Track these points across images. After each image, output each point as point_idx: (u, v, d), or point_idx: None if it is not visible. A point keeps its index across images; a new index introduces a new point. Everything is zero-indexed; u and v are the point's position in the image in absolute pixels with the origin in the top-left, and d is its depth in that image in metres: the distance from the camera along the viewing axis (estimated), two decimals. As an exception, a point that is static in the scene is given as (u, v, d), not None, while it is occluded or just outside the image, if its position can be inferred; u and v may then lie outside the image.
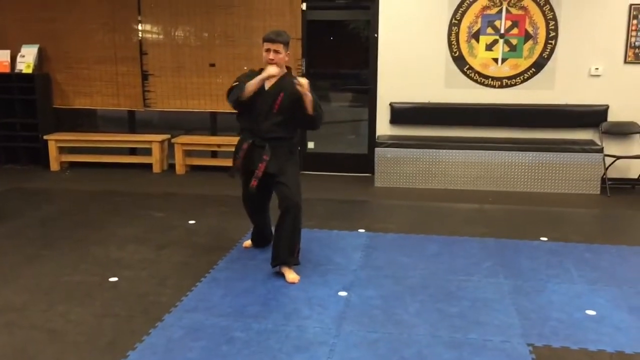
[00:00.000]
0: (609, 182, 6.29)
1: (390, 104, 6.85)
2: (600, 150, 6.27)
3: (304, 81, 3.69)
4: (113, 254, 4.37)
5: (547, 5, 6.43)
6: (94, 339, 3.08)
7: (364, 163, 7.11)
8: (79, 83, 7.56)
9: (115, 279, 3.89)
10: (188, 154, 7.36)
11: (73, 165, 7.53)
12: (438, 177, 6.51)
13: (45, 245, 4.57)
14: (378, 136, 6.85)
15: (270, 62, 3.76)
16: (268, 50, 3.76)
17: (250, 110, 3.88)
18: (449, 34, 6.64)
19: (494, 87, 6.66)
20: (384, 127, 6.94)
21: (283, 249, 3.87)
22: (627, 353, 2.95)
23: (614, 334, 3.14)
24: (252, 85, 3.75)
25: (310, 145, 7.38)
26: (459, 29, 6.62)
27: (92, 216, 5.39)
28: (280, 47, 3.76)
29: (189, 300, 3.55)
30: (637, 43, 6.35)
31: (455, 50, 6.67)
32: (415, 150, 6.53)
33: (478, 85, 6.68)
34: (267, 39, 3.78)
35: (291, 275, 3.86)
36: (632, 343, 3.05)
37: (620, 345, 3.02)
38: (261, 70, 3.84)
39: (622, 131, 6.47)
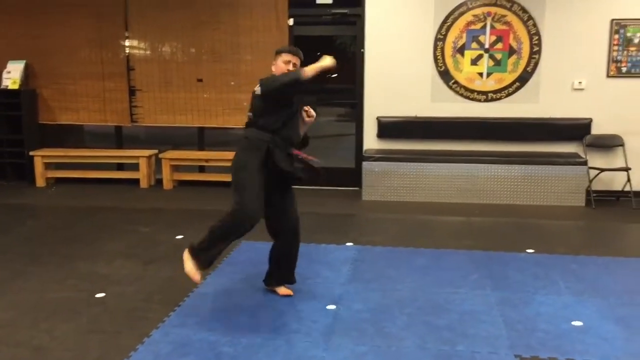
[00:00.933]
0: (594, 194, 6.36)
1: (377, 118, 6.90)
2: (585, 163, 6.35)
3: (313, 113, 3.77)
4: (100, 270, 4.34)
5: (531, 21, 6.53)
6: (80, 356, 3.05)
7: (352, 177, 7.14)
8: (65, 99, 7.54)
9: (102, 294, 3.86)
10: (176, 169, 7.35)
11: (59, 181, 7.49)
12: (425, 190, 6.55)
13: (32, 261, 4.53)
14: (365, 150, 6.88)
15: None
16: (288, 62, 3.61)
17: (281, 112, 3.57)
18: (435, 49, 6.72)
19: (479, 101, 6.74)
20: (371, 141, 6.98)
21: (291, 270, 3.88)
22: (613, 363, 2.98)
23: (601, 345, 3.17)
24: (312, 70, 3.45)
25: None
26: (444, 43, 6.70)
27: (78, 232, 5.35)
28: (298, 62, 3.64)
29: (176, 316, 3.53)
30: (619, 57, 6.46)
31: (441, 65, 6.74)
32: (402, 163, 6.57)
33: (464, 99, 6.75)
34: (287, 51, 3.66)
35: (284, 289, 3.85)
36: (618, 353, 3.07)
37: (606, 356, 3.04)
38: None
39: (606, 144, 6.56)
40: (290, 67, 3.58)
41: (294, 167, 3.59)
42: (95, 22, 7.32)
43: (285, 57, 3.63)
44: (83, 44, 7.40)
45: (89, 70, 7.42)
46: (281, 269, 3.84)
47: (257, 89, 3.58)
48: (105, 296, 3.83)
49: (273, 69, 3.67)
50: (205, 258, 3.52)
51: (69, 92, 7.52)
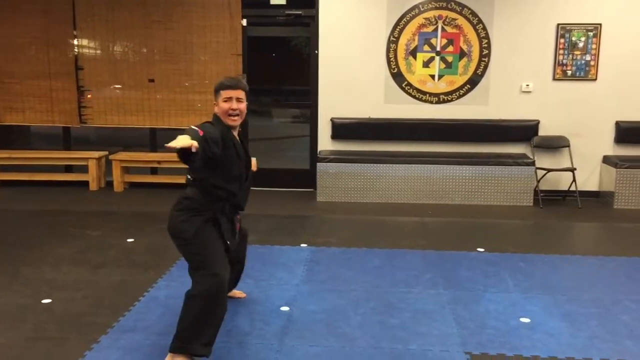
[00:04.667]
0: (541, 194, 6.54)
1: (332, 120, 6.93)
2: (533, 164, 6.52)
3: (255, 162, 3.45)
4: (47, 275, 4.21)
5: (480, 24, 6.67)
6: (25, 364, 2.95)
7: (306, 178, 7.14)
8: (10, 99, 7.28)
9: (48, 300, 3.74)
10: (127, 170, 7.20)
11: (4, 184, 7.23)
12: (379, 191, 6.61)
13: (-27, 267, 4.36)
14: (320, 151, 6.90)
15: (233, 114, 3.06)
16: (229, 99, 3.05)
17: (221, 173, 3.06)
18: (388, 51, 6.79)
19: (431, 102, 6.84)
20: (325, 142, 7.00)
21: (238, 279, 3.73)
22: (559, 358, 3.06)
23: (547, 340, 3.25)
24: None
25: (253, 161, 7.34)
26: (397, 46, 6.78)
27: (24, 236, 5.18)
28: (242, 95, 3.10)
29: (126, 320, 3.45)
30: (564, 61, 6.66)
31: (393, 67, 6.82)
32: (356, 165, 6.61)
33: (416, 101, 6.84)
34: (226, 86, 3.07)
35: (237, 292, 3.81)
36: (564, 348, 3.16)
37: (553, 351, 3.13)
38: (216, 124, 3.08)
39: (552, 145, 6.75)
40: (234, 105, 3.05)
41: (234, 241, 3.23)
42: (42, 20, 7.10)
43: (225, 94, 3.06)
44: (29, 42, 7.16)
45: (35, 70, 7.19)
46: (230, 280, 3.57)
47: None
48: (51, 302, 3.72)
49: (215, 109, 3.12)
50: (198, 344, 2.89)
51: (14, 91, 7.27)
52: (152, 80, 7.14)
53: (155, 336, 3.24)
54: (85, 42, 7.16)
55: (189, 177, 3.10)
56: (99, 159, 7.20)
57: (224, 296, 2.97)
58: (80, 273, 4.26)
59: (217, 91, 3.11)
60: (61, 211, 6.09)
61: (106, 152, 7.31)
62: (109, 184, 7.20)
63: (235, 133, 3.17)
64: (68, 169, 7.54)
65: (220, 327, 2.95)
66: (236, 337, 3.26)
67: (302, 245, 4.99)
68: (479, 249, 4.89)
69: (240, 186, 3.17)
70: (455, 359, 3.04)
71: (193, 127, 2.83)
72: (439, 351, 3.12)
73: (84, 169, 7.19)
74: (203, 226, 3.02)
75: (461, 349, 3.14)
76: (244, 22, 6.98)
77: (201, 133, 2.78)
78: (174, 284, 4.05)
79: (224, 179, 3.06)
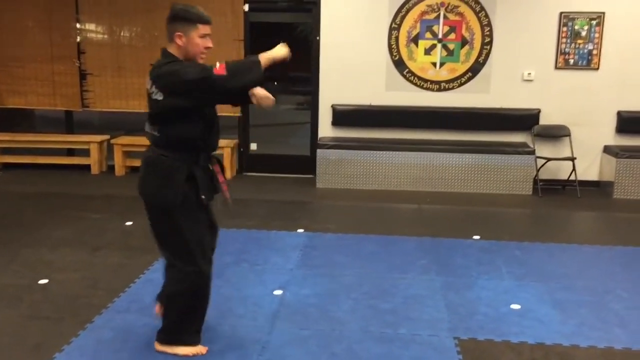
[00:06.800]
0: (541, 183, 6.53)
1: (332, 106, 6.93)
2: (533, 152, 6.51)
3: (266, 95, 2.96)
4: (45, 257, 4.26)
5: (483, 12, 6.64)
6: (20, 341, 3.00)
7: (306, 164, 7.15)
8: (13, 82, 7.32)
9: (45, 281, 3.79)
10: (128, 155, 7.23)
11: (7, 166, 7.29)
12: (378, 178, 6.62)
13: (-27, 248, 4.42)
14: (320, 138, 6.91)
15: (205, 53, 2.78)
16: (205, 36, 2.73)
17: (197, 118, 2.76)
18: (389, 38, 6.77)
19: (432, 90, 6.83)
20: (326, 129, 7.01)
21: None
22: (547, 344, 3.08)
23: (536, 327, 3.28)
24: (267, 60, 2.66)
25: (253, 146, 7.38)
26: (398, 33, 6.75)
27: (25, 218, 5.24)
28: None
29: (120, 302, 3.50)
30: (566, 50, 6.63)
31: (395, 54, 6.80)
32: (356, 151, 6.61)
33: (417, 89, 6.83)
34: (205, 20, 2.72)
35: None
36: (552, 335, 3.18)
37: (541, 337, 3.15)
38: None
39: (553, 134, 6.74)
40: (209, 44, 2.75)
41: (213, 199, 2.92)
42: (45, 3, 7.11)
43: (202, 29, 2.70)
44: (32, 26, 7.19)
45: (38, 53, 7.22)
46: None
47: (156, 92, 2.66)
48: (48, 283, 3.77)
49: (179, 42, 2.69)
50: (187, 334, 2.90)
51: (17, 75, 7.30)
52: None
53: (148, 317, 3.27)
54: (87, 26, 7.17)
55: (155, 133, 2.77)
56: (100, 142, 7.24)
57: (209, 290, 2.91)
58: (78, 255, 4.31)
59: (190, 22, 2.67)
60: (62, 194, 6.14)
61: (108, 136, 7.35)
62: (111, 167, 7.24)
63: None
64: (70, 152, 7.59)
65: (206, 313, 2.95)
66: (228, 320, 3.30)
67: (299, 230, 5.02)
68: (475, 237, 4.91)
69: (212, 129, 2.84)
70: (443, 344, 3.07)
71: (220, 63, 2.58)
72: (427, 336, 3.15)
73: (86, 153, 7.24)
74: (188, 195, 2.73)
75: (450, 334, 3.17)
76: (246, 7, 6.98)
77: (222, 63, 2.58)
78: (170, 266, 4.09)
79: (200, 124, 2.74)
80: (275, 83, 7.66)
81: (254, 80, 2.65)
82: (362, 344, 3.06)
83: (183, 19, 2.68)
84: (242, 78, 2.62)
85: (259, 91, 2.74)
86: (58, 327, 3.17)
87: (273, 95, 2.79)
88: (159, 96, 2.65)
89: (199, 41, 2.70)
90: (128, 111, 7.32)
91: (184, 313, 2.86)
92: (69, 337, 3.05)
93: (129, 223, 5.10)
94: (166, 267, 2.92)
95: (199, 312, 2.91)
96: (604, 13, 6.51)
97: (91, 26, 7.18)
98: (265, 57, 2.66)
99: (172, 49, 2.73)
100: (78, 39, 7.19)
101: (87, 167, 7.20)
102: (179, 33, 2.68)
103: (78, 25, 7.17)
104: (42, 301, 3.50)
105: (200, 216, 2.85)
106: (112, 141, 7.17)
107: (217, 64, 2.61)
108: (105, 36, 7.17)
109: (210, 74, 2.58)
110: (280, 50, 2.70)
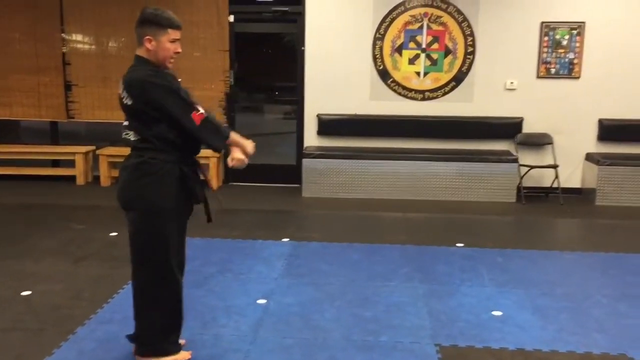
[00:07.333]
0: (524, 191, 6.60)
1: (318, 116, 6.97)
2: (516, 160, 6.58)
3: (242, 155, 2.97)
4: (28, 268, 4.25)
5: (465, 22, 6.72)
6: (1, 353, 2.99)
7: (292, 174, 7.18)
8: (-3, 93, 7.31)
9: (28, 292, 3.78)
10: (114, 165, 7.22)
11: (-9, 178, 7.27)
12: (364, 187, 6.66)
13: (-44, 260, 4.40)
14: (305, 147, 6.94)
15: (175, 56, 2.76)
16: (175, 40, 2.72)
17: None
18: (374, 48, 6.83)
19: (416, 99, 6.89)
20: (311, 138, 7.04)
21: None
22: (527, 350, 3.12)
23: (517, 333, 3.31)
24: (235, 141, 2.81)
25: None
26: (383, 43, 6.82)
27: (9, 229, 5.22)
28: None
29: (104, 313, 3.50)
30: (548, 59, 6.72)
31: (379, 64, 6.86)
32: (341, 160, 6.65)
33: (401, 98, 6.89)
34: (177, 25, 2.72)
35: None
36: (532, 341, 3.22)
37: (521, 343, 3.19)
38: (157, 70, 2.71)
39: (536, 142, 6.82)
40: (179, 49, 2.74)
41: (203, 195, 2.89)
42: (30, 15, 7.11)
43: (173, 34, 2.71)
44: (16, 37, 7.17)
45: (23, 64, 7.21)
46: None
47: (127, 97, 2.67)
48: (31, 294, 3.76)
49: (148, 46, 2.68)
50: (169, 343, 2.90)
51: (2, 86, 7.28)
52: (139, 76, 7.14)
53: (131, 328, 3.23)
54: (72, 37, 7.18)
55: (136, 138, 2.72)
56: (86, 153, 7.23)
57: (182, 299, 2.90)
58: (61, 266, 4.30)
59: (160, 26, 2.67)
60: (47, 205, 6.13)
61: (93, 147, 7.34)
62: (96, 178, 7.22)
63: None
64: (55, 163, 7.57)
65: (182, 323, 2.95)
66: (211, 329, 3.31)
67: (284, 239, 5.04)
68: (458, 244, 4.95)
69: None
70: (424, 351, 3.09)
71: (199, 105, 2.68)
72: (409, 343, 3.18)
73: (71, 164, 7.22)
74: (179, 197, 2.74)
75: (431, 341, 3.20)
76: (231, 18, 7.02)
77: (204, 113, 2.69)
78: (154, 277, 4.09)
79: (178, 130, 2.71)
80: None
81: (214, 145, 2.77)
82: (345, 352, 3.08)
83: (153, 23, 2.69)
84: (207, 136, 2.72)
85: (236, 154, 2.81)
86: (40, 338, 3.16)
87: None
88: (128, 101, 2.68)
89: (169, 46, 2.70)
90: (114, 122, 7.31)
91: (164, 322, 2.87)
92: (51, 348, 3.04)
93: (113, 234, 5.09)
94: (138, 282, 2.88)
95: (178, 320, 2.91)
96: (584, 23, 6.62)
97: (77, 37, 7.19)
98: (235, 138, 2.81)
99: (141, 53, 2.73)
100: (64, 50, 7.19)
101: (73, 178, 7.19)
102: (149, 37, 2.68)
103: (64, 36, 7.18)
104: (24, 312, 3.49)
105: (184, 222, 2.88)
106: (98, 152, 7.16)
107: (200, 110, 2.69)
108: (91, 47, 7.18)
109: (187, 114, 2.66)
110: (249, 145, 2.83)
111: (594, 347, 3.16)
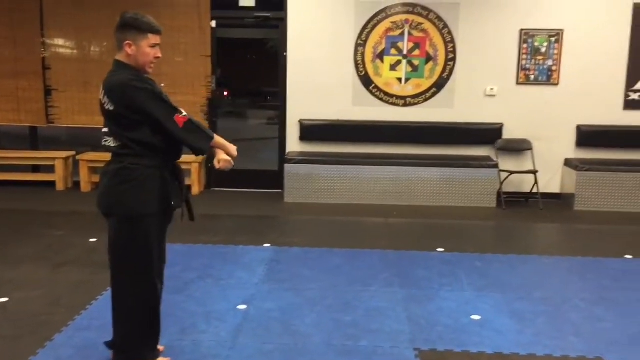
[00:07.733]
0: (504, 196, 6.67)
1: (300, 121, 6.99)
2: (496, 166, 6.65)
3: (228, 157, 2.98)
4: (5, 275, 4.20)
5: (446, 29, 6.78)
6: (-24, 362, 2.96)
7: (274, 179, 7.18)
8: (-25, 98, 7.23)
9: (4, 299, 3.74)
10: (94, 171, 7.17)
11: (-31, 183, 7.18)
12: (346, 192, 6.68)
13: None
14: (288, 153, 6.95)
15: (155, 61, 2.77)
16: (155, 45, 2.73)
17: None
18: (355, 54, 6.87)
19: (398, 105, 6.93)
20: (293, 144, 7.05)
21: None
22: (504, 354, 3.15)
23: (495, 337, 3.34)
24: (218, 145, 2.83)
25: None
26: (364, 49, 6.86)
27: (-14, 236, 5.16)
28: None
29: (82, 319, 3.47)
30: (527, 65, 6.80)
31: (361, 70, 6.90)
32: (324, 166, 6.67)
33: (383, 104, 6.93)
34: (157, 30, 2.74)
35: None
36: (509, 345, 3.25)
37: (499, 347, 3.22)
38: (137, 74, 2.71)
39: (516, 148, 6.89)
40: (159, 54, 2.76)
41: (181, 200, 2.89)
42: (8, 19, 7.05)
43: (153, 38, 2.71)
44: (-5, 41, 7.12)
45: (2, 69, 7.14)
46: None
47: (108, 103, 2.66)
48: (7, 301, 3.72)
49: (128, 51, 2.68)
50: (148, 350, 2.89)
51: (-21, 91, 7.22)
52: (120, 81, 7.11)
53: (110, 335, 3.23)
54: (52, 41, 7.13)
55: (117, 144, 2.71)
56: (66, 159, 7.17)
57: (160, 305, 2.90)
58: (39, 272, 4.26)
59: (140, 31, 2.68)
60: (26, 211, 6.07)
61: (73, 152, 7.29)
62: (76, 184, 7.17)
63: None
64: (35, 169, 7.50)
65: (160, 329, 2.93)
66: (191, 336, 3.30)
67: (266, 245, 5.04)
68: (438, 249, 4.98)
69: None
70: (403, 355, 3.11)
71: (179, 109, 2.68)
72: (388, 347, 3.19)
73: (51, 169, 7.16)
74: (161, 201, 2.73)
75: (410, 346, 3.22)
76: (213, 23, 7.02)
77: (187, 116, 2.70)
78: (133, 283, 4.06)
79: (160, 134, 2.70)
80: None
81: (198, 147, 2.75)
82: (325, 357, 3.09)
83: (133, 27, 2.69)
84: (190, 138, 2.71)
85: (222, 155, 2.82)
86: (16, 345, 3.13)
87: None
88: (110, 106, 2.66)
89: (149, 51, 2.71)
90: (94, 127, 7.26)
91: (143, 329, 2.85)
92: (27, 355, 3.01)
93: (93, 240, 5.05)
94: (117, 288, 2.86)
95: (157, 327, 2.90)
96: (562, 30, 6.71)
97: (57, 41, 7.14)
98: (219, 141, 2.82)
99: (121, 57, 2.73)
100: (44, 54, 7.13)
101: (52, 184, 7.12)
102: (129, 42, 2.68)
103: (44, 40, 7.12)
104: (0, 320, 3.45)
105: (164, 228, 2.88)
106: (78, 157, 7.11)
107: (182, 113, 2.70)
108: (72, 51, 7.14)
109: (171, 117, 2.66)
110: (232, 148, 2.85)
111: (570, 351, 3.19)
